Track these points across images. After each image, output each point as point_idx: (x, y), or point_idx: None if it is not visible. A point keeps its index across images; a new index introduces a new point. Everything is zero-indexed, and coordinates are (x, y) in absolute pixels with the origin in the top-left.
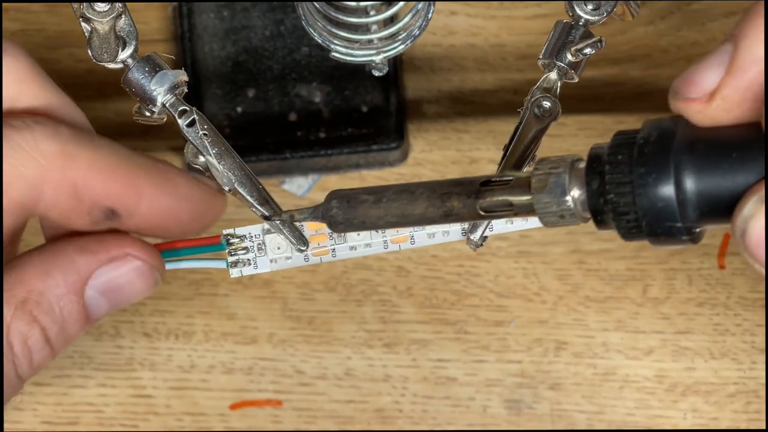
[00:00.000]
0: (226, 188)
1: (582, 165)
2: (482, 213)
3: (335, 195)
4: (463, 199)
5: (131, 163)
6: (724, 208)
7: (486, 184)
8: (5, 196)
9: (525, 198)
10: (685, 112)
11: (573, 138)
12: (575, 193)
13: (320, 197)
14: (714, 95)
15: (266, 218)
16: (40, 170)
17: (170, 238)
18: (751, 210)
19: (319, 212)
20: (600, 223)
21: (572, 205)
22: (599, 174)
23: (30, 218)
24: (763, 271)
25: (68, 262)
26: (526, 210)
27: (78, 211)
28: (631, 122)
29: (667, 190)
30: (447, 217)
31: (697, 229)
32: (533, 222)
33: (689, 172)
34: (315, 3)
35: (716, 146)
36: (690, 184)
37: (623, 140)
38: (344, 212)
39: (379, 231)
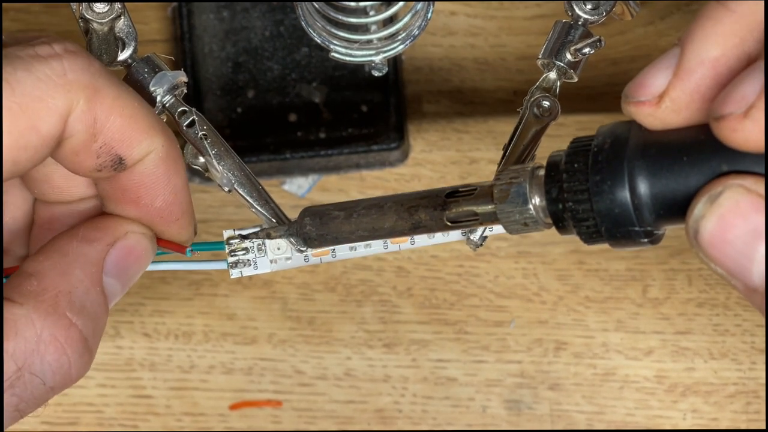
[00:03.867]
0: (226, 189)
1: (542, 173)
2: (449, 224)
3: (308, 212)
4: (430, 211)
5: (150, 115)
6: (678, 209)
7: (451, 196)
8: (36, 132)
9: (489, 207)
10: (636, 115)
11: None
12: (536, 200)
13: (320, 197)
14: (663, 97)
15: (243, 237)
16: (68, 101)
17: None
18: (701, 210)
19: (293, 229)
20: (561, 228)
21: (534, 213)
22: (558, 182)
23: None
24: (718, 270)
25: (81, 256)
26: (491, 219)
27: (89, 149)
28: None
29: (623, 195)
30: (415, 230)
31: (656, 231)
32: None
33: (643, 177)
34: (314, 3)
35: (668, 150)
36: (644, 188)
37: (578, 148)
38: (317, 228)
39: None
